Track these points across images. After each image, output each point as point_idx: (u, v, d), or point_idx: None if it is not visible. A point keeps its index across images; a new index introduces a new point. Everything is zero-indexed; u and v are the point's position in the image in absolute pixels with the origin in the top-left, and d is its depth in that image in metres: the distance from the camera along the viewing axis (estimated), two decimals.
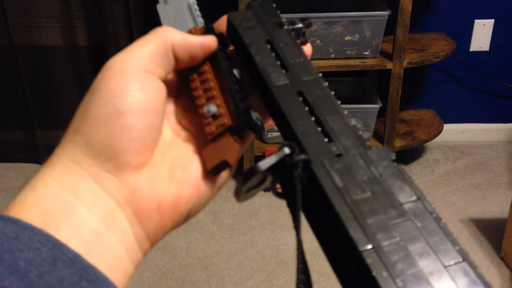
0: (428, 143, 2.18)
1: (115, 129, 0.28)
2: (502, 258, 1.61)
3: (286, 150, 0.26)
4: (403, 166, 0.26)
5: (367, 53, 1.82)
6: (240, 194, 0.28)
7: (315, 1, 1.90)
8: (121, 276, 0.27)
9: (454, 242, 0.23)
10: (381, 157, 0.27)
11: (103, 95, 0.29)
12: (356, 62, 1.81)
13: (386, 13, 1.75)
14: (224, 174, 0.31)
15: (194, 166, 0.30)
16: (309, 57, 0.33)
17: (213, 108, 0.31)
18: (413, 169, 2.08)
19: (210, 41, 0.33)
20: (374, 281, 0.22)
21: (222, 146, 0.30)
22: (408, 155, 2.15)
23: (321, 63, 1.79)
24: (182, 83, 0.34)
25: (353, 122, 0.32)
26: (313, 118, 0.29)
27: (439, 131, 2.06)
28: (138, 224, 0.28)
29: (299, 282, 0.24)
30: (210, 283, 1.59)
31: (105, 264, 0.26)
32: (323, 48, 1.80)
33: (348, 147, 0.27)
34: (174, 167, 0.30)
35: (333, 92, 0.30)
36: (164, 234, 0.30)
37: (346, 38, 1.80)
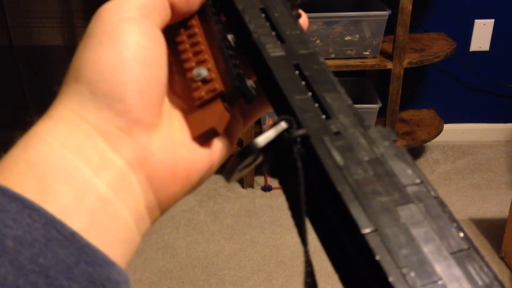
0: (428, 143, 2.18)
1: (122, 78, 0.24)
2: (502, 258, 1.61)
3: (283, 125, 0.24)
4: (405, 148, 0.25)
5: (367, 53, 1.82)
6: (234, 173, 0.26)
7: (315, 1, 1.90)
8: (127, 248, 0.24)
9: (459, 229, 0.22)
10: (382, 137, 0.25)
11: (102, 39, 0.25)
12: (356, 62, 1.81)
13: (386, 13, 1.75)
14: (227, 143, 0.29)
15: None
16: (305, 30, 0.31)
17: (203, 72, 0.28)
18: None
19: None
20: (377, 266, 0.20)
21: (211, 113, 0.27)
22: None
23: None
24: (169, 44, 0.31)
25: (351, 100, 0.31)
26: (310, 94, 0.27)
27: (439, 131, 2.06)
28: (151, 190, 0.25)
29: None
30: (210, 283, 1.59)
31: (110, 237, 0.23)
32: (323, 48, 1.80)
33: (347, 125, 0.25)
34: (185, 132, 0.27)
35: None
36: (175, 202, 0.27)
37: (346, 38, 1.80)
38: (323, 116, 0.26)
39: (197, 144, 0.27)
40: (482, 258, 0.21)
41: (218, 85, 0.28)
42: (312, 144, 0.24)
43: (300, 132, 0.24)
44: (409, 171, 0.24)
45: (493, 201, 1.89)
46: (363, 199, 0.22)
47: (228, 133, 0.30)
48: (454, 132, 2.27)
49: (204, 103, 0.28)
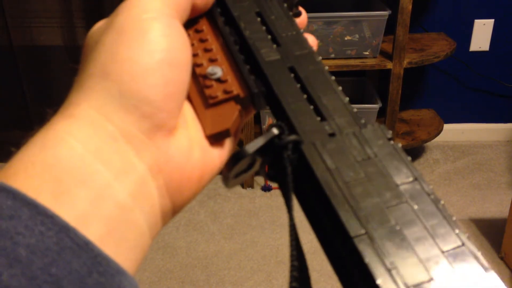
0: (428, 143, 2.18)
1: (153, 80, 0.24)
2: (502, 258, 1.61)
3: (275, 131, 0.25)
4: (400, 145, 0.25)
5: (367, 53, 1.82)
6: (229, 179, 0.26)
7: (315, 1, 1.90)
8: (139, 254, 0.23)
9: (453, 225, 0.22)
10: (376, 136, 0.25)
11: (134, 38, 0.24)
12: (356, 62, 1.81)
13: (386, 13, 1.75)
14: (233, 143, 0.29)
15: None
16: (302, 30, 0.31)
17: (218, 71, 0.28)
18: None
19: None
20: (366, 269, 0.20)
21: (226, 113, 0.27)
22: (408, 155, 2.14)
23: None
24: None
25: (347, 98, 0.30)
26: (305, 96, 0.27)
27: (439, 131, 2.06)
28: (168, 196, 0.25)
29: (293, 280, 0.22)
30: (210, 283, 1.59)
31: (124, 245, 0.22)
32: (323, 48, 1.80)
33: (342, 126, 0.25)
34: (199, 132, 0.27)
35: (327, 67, 0.29)
36: (186, 204, 0.27)
37: (346, 38, 1.80)
38: (318, 118, 0.26)
39: (210, 143, 0.27)
40: (475, 254, 0.21)
41: (235, 88, 0.28)
42: (303, 149, 0.24)
43: (291, 138, 0.24)
44: (403, 169, 0.24)
45: (493, 201, 1.89)
46: (353, 202, 0.22)
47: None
48: (454, 132, 2.27)
49: (218, 103, 0.28)
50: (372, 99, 1.93)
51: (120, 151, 0.23)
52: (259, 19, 0.31)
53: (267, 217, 1.84)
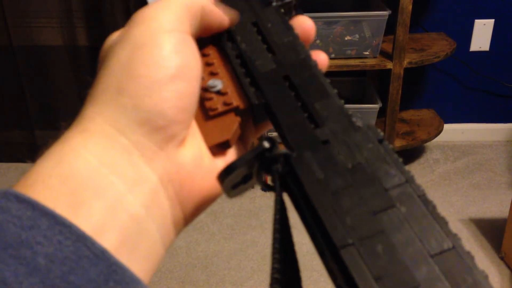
0: (428, 143, 2.18)
1: (167, 95, 0.25)
2: (502, 258, 1.61)
3: (266, 144, 0.25)
4: (390, 146, 0.25)
5: (367, 53, 1.82)
6: (226, 191, 0.26)
7: (315, 1, 1.90)
8: (153, 263, 0.24)
9: (443, 228, 0.22)
10: (367, 140, 0.25)
11: (150, 53, 0.25)
12: (356, 62, 1.81)
13: (386, 13, 1.75)
14: (242, 150, 0.30)
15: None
16: (300, 35, 0.31)
17: (218, 84, 0.29)
18: (413, 169, 2.08)
19: (235, 15, 0.30)
20: (352, 280, 0.20)
21: (226, 125, 0.28)
22: (408, 155, 2.15)
23: None
24: None
25: (342, 101, 0.30)
26: (299, 103, 0.27)
27: (439, 131, 2.06)
28: (179, 205, 0.25)
29: (274, 282, 0.22)
30: (210, 283, 1.59)
31: (138, 254, 0.23)
32: (323, 48, 1.80)
33: (336, 131, 0.26)
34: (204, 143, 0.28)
35: (321, 69, 0.29)
36: (198, 214, 0.27)
37: (346, 38, 1.80)
38: (312, 126, 0.26)
39: (213, 154, 0.28)
40: (466, 256, 0.21)
41: (235, 101, 0.29)
42: (292, 163, 0.24)
43: (280, 152, 0.25)
44: (393, 172, 0.24)
45: (493, 201, 1.89)
46: (340, 213, 0.22)
47: (242, 139, 0.30)
48: (454, 132, 2.27)
49: (218, 115, 0.29)
50: (372, 99, 1.93)
51: (133, 163, 0.24)
52: (255, 29, 0.31)
53: (267, 217, 1.84)
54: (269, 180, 0.26)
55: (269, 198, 1.92)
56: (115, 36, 0.27)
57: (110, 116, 0.24)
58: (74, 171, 0.22)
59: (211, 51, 0.31)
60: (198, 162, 0.26)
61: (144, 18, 0.26)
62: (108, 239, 0.21)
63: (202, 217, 1.85)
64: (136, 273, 0.22)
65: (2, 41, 1.97)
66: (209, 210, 1.88)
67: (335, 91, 0.28)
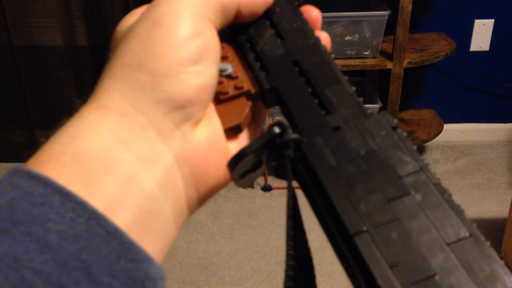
0: (428, 143, 2.18)
1: (187, 77, 0.24)
2: (502, 258, 1.61)
3: (276, 130, 0.24)
4: (405, 134, 0.24)
5: (367, 53, 1.82)
6: (235, 180, 0.26)
7: (315, 1, 1.89)
8: (166, 243, 0.24)
9: (460, 216, 0.21)
10: (380, 127, 0.24)
11: (171, 33, 0.25)
12: (356, 62, 1.81)
13: (386, 13, 1.75)
14: (254, 133, 0.29)
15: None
16: (308, 20, 0.31)
17: (229, 68, 0.29)
18: None
19: None
20: (366, 267, 0.20)
21: (237, 109, 0.28)
22: None
23: None
24: None
25: (353, 88, 0.29)
26: (310, 89, 0.27)
27: (439, 131, 2.06)
28: (193, 185, 0.25)
29: (288, 280, 0.21)
30: (210, 283, 1.59)
31: (151, 233, 0.22)
32: None
33: (347, 118, 0.25)
34: (219, 125, 0.27)
35: (332, 55, 0.28)
36: (212, 196, 0.27)
37: (346, 38, 1.80)
38: (323, 112, 0.26)
39: (227, 137, 0.27)
40: (483, 245, 0.20)
41: (246, 84, 0.28)
42: (303, 148, 0.24)
43: (292, 137, 0.24)
44: (407, 159, 0.23)
45: (493, 201, 1.89)
46: (354, 199, 0.22)
47: (254, 124, 0.30)
48: (454, 132, 2.27)
49: (229, 99, 0.28)
50: (372, 99, 1.93)
51: (149, 140, 0.23)
52: (263, 14, 0.30)
53: (267, 217, 1.84)
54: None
55: (269, 198, 1.92)
56: (135, 14, 0.27)
57: (129, 93, 0.24)
58: (88, 148, 0.22)
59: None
60: (214, 143, 0.26)
61: None
62: (121, 217, 0.21)
63: (202, 217, 1.85)
64: (149, 251, 0.21)
65: (2, 41, 1.97)
66: (209, 210, 1.88)
67: (346, 77, 0.27)
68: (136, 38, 0.25)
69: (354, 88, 0.27)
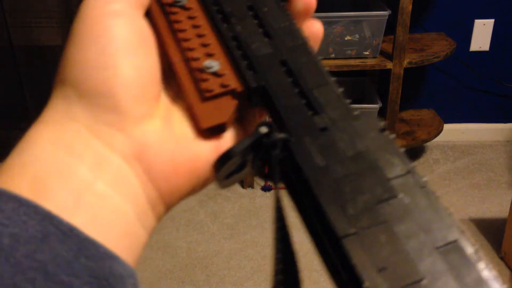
0: (428, 143, 2.18)
1: (107, 74, 0.24)
2: (502, 258, 1.61)
3: (263, 130, 0.24)
4: (392, 136, 0.24)
5: (367, 53, 1.82)
6: (219, 181, 0.25)
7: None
8: (132, 243, 0.23)
9: (448, 219, 0.21)
10: (368, 128, 0.24)
11: (84, 36, 0.25)
12: (356, 62, 1.81)
13: (386, 13, 1.75)
14: (241, 133, 0.29)
15: None
16: (296, 20, 0.30)
17: (215, 65, 0.28)
18: None
19: None
20: (353, 270, 0.20)
21: (222, 107, 0.27)
22: (408, 155, 2.13)
23: None
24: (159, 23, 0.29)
25: (341, 89, 0.29)
26: (297, 90, 0.26)
27: (439, 131, 2.06)
28: (151, 183, 0.25)
29: (277, 285, 0.21)
30: (210, 283, 1.59)
31: (112, 231, 0.22)
32: (323, 48, 1.80)
33: (335, 119, 0.25)
34: (186, 124, 0.27)
35: (320, 57, 0.28)
36: (181, 197, 0.26)
37: (346, 38, 1.80)
38: (310, 112, 0.25)
39: (203, 136, 0.27)
40: (471, 249, 0.20)
41: (232, 82, 0.28)
42: (291, 147, 0.24)
43: (279, 136, 0.24)
44: (395, 162, 0.23)
45: (493, 201, 1.89)
46: (342, 201, 0.22)
47: (243, 122, 0.29)
48: (454, 132, 2.27)
49: (214, 97, 0.27)
50: (372, 99, 1.93)
51: (90, 146, 0.23)
52: (251, 12, 0.30)
53: (267, 217, 1.84)
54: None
55: (269, 198, 1.92)
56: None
57: (60, 107, 0.24)
58: (33, 158, 0.22)
59: (202, 22, 0.30)
60: (171, 144, 0.25)
61: (83, 6, 0.26)
62: (76, 218, 0.21)
63: (202, 217, 1.85)
64: (112, 249, 0.21)
65: (2, 41, 1.97)
66: (209, 210, 1.88)
67: (334, 78, 0.27)
68: (62, 56, 0.26)
69: (342, 89, 0.27)
